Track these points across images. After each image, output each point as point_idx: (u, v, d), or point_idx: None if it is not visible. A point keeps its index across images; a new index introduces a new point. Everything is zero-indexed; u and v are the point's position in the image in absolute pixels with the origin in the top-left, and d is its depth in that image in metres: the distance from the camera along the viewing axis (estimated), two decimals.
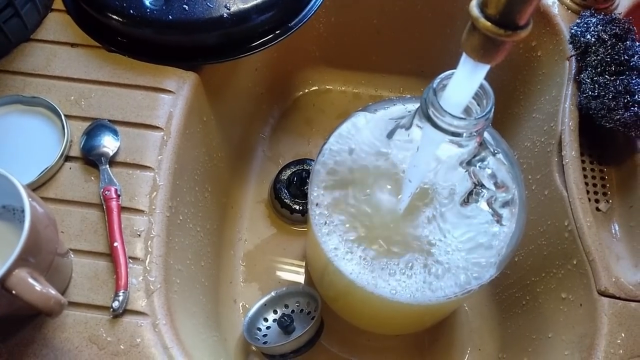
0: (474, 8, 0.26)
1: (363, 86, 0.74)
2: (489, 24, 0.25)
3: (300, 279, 0.60)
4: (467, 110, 0.34)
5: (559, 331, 0.44)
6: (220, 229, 0.58)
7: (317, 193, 0.40)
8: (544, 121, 0.52)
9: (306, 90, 0.73)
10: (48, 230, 0.34)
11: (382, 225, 0.38)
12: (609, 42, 0.46)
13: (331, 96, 0.73)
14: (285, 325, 0.53)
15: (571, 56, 0.50)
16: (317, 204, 0.40)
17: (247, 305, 0.57)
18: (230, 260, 0.59)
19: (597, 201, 0.48)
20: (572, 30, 0.50)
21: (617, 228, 0.46)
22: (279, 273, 0.61)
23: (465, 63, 0.29)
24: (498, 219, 0.35)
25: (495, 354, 0.55)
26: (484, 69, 0.29)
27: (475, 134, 0.32)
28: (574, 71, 0.50)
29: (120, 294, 0.37)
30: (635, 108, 0.44)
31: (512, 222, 0.37)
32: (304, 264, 0.61)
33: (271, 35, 0.49)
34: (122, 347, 0.36)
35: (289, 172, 0.65)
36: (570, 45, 0.51)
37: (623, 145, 0.48)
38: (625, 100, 0.44)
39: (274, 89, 0.69)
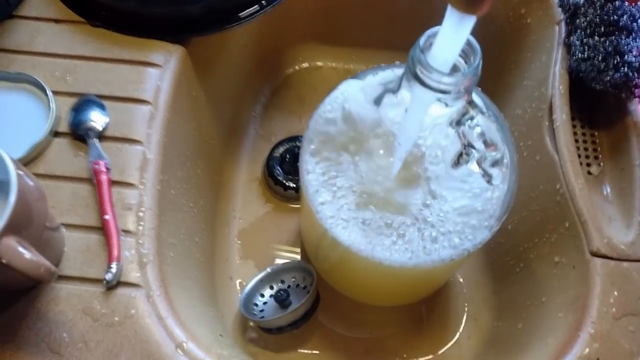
0: None
1: (354, 62, 0.73)
2: None
3: (296, 255, 0.60)
4: (455, 69, 0.33)
5: (553, 295, 0.45)
6: (214, 207, 0.57)
7: (309, 161, 0.40)
8: (535, 87, 0.52)
9: (297, 67, 0.73)
10: (38, 204, 0.34)
11: (375, 190, 0.38)
12: (598, 3, 0.46)
13: (322, 73, 0.73)
14: (281, 299, 0.53)
15: (561, 20, 0.50)
16: (309, 172, 0.40)
17: (243, 282, 0.57)
18: (225, 237, 0.59)
19: (588, 165, 0.48)
20: None
21: (608, 190, 0.46)
22: (274, 250, 0.61)
23: (451, 16, 0.28)
24: (488, 178, 0.34)
25: (490, 323, 0.56)
26: (470, 21, 0.28)
27: (463, 91, 0.32)
28: (563, 35, 0.50)
29: (113, 265, 0.37)
30: (625, 69, 0.43)
31: (503, 183, 0.37)
32: (299, 240, 0.61)
33: (256, 7, 0.49)
34: (116, 318, 0.36)
35: (281, 149, 0.64)
36: (560, 9, 0.50)
37: (613, 108, 0.48)
38: (615, 61, 0.44)
39: (264, 66, 0.68)
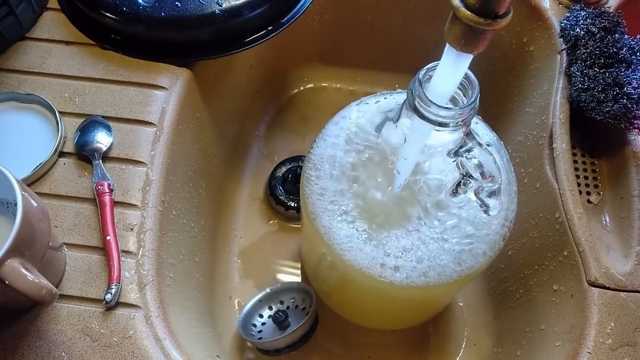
0: None
1: (358, 83, 0.74)
2: (469, 13, 0.26)
3: (296, 275, 0.61)
4: (454, 101, 0.34)
5: (551, 323, 0.45)
6: (215, 226, 0.58)
7: (310, 184, 0.41)
8: (536, 115, 0.53)
9: (302, 88, 0.74)
10: (42, 224, 0.35)
11: (374, 214, 0.38)
12: (598, 35, 0.46)
13: (327, 93, 0.74)
14: (280, 320, 0.53)
15: (562, 50, 0.51)
16: (309, 195, 0.40)
17: (242, 302, 0.58)
18: (225, 256, 0.60)
19: (588, 193, 0.48)
20: (562, 24, 0.51)
21: (608, 219, 0.46)
22: (274, 270, 0.61)
23: (449, 53, 0.29)
24: (485, 208, 0.35)
25: (490, 348, 0.56)
26: (467, 58, 0.29)
27: (461, 123, 0.32)
28: (564, 64, 0.50)
29: (113, 286, 0.37)
30: (624, 100, 0.44)
31: (500, 212, 0.37)
32: (299, 260, 0.61)
33: (263, 32, 0.50)
34: (114, 339, 0.36)
35: (284, 169, 0.65)
36: (561, 39, 0.51)
37: (614, 138, 0.48)
38: (615, 93, 0.44)
39: (269, 86, 0.69)
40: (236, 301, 0.58)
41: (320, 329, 0.54)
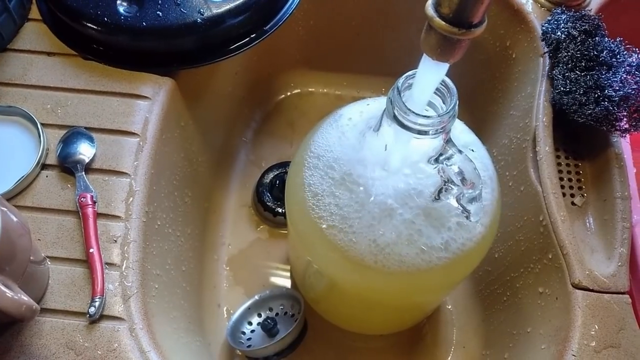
0: (429, 8, 0.27)
1: (345, 88, 0.74)
2: (443, 23, 0.26)
3: (285, 281, 0.61)
4: (434, 108, 0.34)
5: (537, 325, 0.45)
6: (203, 234, 0.58)
7: (293, 191, 0.41)
8: (520, 118, 0.53)
9: (288, 93, 0.74)
10: (22, 239, 0.34)
11: (354, 224, 0.38)
12: (579, 39, 0.47)
13: (313, 99, 0.74)
14: (268, 328, 0.53)
15: (544, 53, 0.51)
16: (293, 203, 0.40)
17: (231, 310, 0.57)
18: (213, 264, 0.59)
19: (572, 195, 0.48)
20: (544, 27, 0.51)
21: (591, 221, 0.46)
22: (263, 277, 0.61)
23: (425, 62, 0.29)
24: (467, 214, 0.35)
25: (479, 351, 0.56)
26: (444, 67, 0.29)
27: (441, 130, 0.32)
28: (547, 68, 0.51)
29: (97, 299, 0.37)
30: (606, 102, 0.44)
31: (484, 218, 0.37)
32: (289, 267, 0.61)
33: (246, 39, 0.50)
34: (99, 352, 0.36)
35: (271, 175, 0.65)
36: (543, 42, 0.51)
37: (596, 140, 0.49)
38: (596, 95, 0.45)
39: (255, 92, 0.69)
40: (225, 309, 0.58)
41: (310, 335, 0.54)
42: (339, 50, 0.71)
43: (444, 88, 0.33)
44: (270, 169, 0.65)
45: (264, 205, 0.63)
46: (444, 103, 0.33)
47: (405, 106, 0.31)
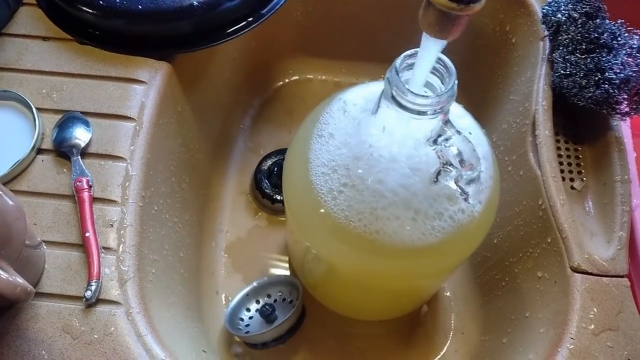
0: None
1: (344, 75, 0.74)
2: None
3: (284, 268, 0.60)
4: (432, 89, 0.34)
5: (536, 310, 0.45)
6: (201, 221, 0.58)
7: (291, 178, 0.40)
8: (520, 102, 0.53)
9: (287, 80, 0.73)
10: (18, 223, 0.34)
11: (357, 208, 0.38)
12: (580, 21, 0.46)
13: (312, 85, 0.73)
14: (267, 314, 0.53)
15: (544, 36, 0.50)
16: (291, 188, 0.40)
17: (229, 297, 0.57)
18: (211, 251, 0.59)
19: (572, 179, 0.48)
20: (544, 10, 0.50)
21: (591, 205, 0.46)
22: (262, 263, 0.61)
23: (425, 40, 0.29)
24: (465, 196, 0.35)
25: (477, 337, 0.56)
26: (441, 44, 0.29)
27: (439, 111, 0.32)
28: (547, 51, 0.50)
29: (93, 283, 0.37)
30: (606, 85, 0.44)
31: (482, 202, 0.37)
32: (287, 253, 0.61)
33: (243, 23, 0.49)
34: (95, 336, 0.36)
35: (269, 162, 0.65)
36: (543, 25, 0.51)
37: (596, 123, 0.48)
38: (596, 78, 0.44)
39: (253, 79, 0.69)
40: (223, 296, 0.58)
41: (308, 321, 0.54)
42: (337, 36, 0.70)
43: (442, 68, 0.32)
44: (268, 156, 0.65)
45: (262, 192, 0.62)
46: (442, 83, 0.33)
47: (404, 86, 0.31)
